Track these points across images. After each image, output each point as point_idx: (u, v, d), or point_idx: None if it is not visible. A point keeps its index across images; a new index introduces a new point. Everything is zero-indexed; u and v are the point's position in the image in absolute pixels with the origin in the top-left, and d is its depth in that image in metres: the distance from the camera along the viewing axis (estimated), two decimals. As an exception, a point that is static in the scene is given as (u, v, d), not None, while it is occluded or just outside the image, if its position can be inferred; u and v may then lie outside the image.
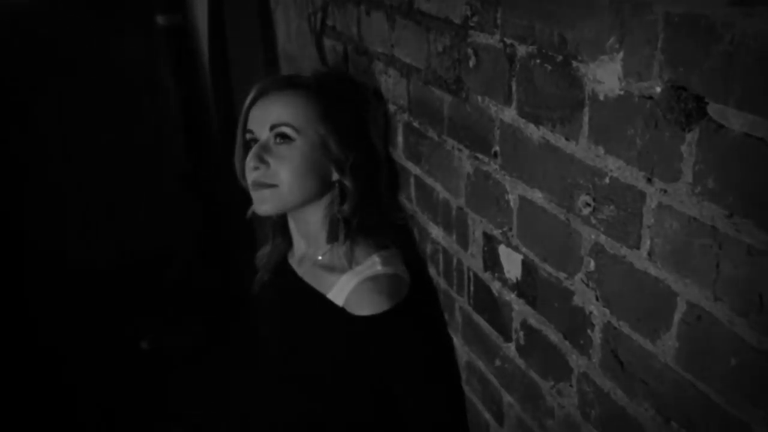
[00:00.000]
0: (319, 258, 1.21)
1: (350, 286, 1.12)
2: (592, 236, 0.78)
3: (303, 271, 1.24)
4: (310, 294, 1.19)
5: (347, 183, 1.16)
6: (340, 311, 1.11)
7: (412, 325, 1.13)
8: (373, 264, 1.14)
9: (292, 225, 1.25)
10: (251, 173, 1.13)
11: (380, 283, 1.11)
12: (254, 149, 1.13)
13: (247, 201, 1.23)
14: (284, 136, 1.12)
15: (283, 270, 1.30)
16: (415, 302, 1.14)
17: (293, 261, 1.29)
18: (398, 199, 1.32)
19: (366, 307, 1.09)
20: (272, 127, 1.12)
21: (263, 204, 1.14)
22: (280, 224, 1.30)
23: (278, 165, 1.12)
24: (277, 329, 1.28)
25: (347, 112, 1.21)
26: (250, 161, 1.12)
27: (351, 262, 1.15)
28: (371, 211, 1.19)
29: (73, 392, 2.51)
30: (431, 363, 1.18)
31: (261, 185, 1.13)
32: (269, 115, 1.13)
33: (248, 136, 1.16)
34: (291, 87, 1.16)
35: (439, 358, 1.24)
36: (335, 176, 1.17)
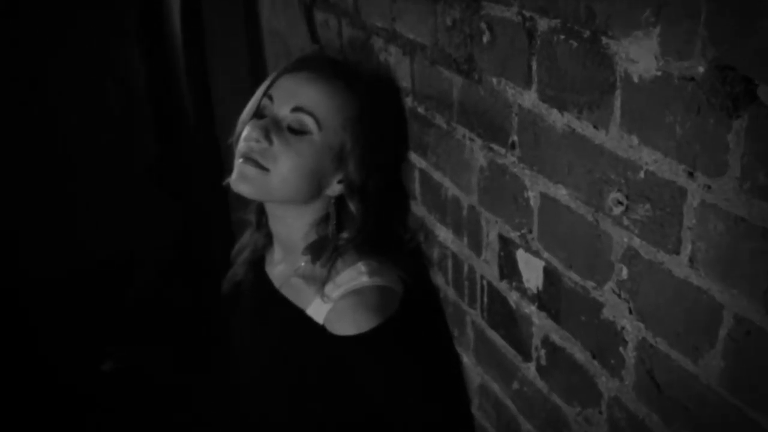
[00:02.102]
0: (301, 265, 1.20)
1: (331, 300, 1.11)
2: (625, 239, 0.78)
3: (280, 282, 1.23)
4: (286, 309, 1.18)
5: (353, 208, 1.15)
6: (320, 330, 1.11)
7: (403, 344, 1.12)
8: (357, 274, 1.12)
9: (271, 223, 1.24)
10: (248, 142, 1.10)
11: (365, 297, 1.10)
12: (264, 121, 1.11)
13: (228, 200, 1.23)
14: (302, 125, 1.10)
15: (258, 278, 1.30)
16: (409, 318, 1.13)
17: (270, 268, 1.29)
18: (407, 217, 1.32)
19: (348, 325, 1.08)
20: (295, 109, 1.11)
21: (243, 182, 1.11)
22: (265, 216, 1.28)
23: (281, 150, 1.10)
24: (252, 348, 1.28)
25: (383, 135, 1.20)
26: (254, 131, 1.10)
27: (333, 273, 1.14)
28: (371, 233, 1.18)
29: (24, 420, 2.51)
30: (430, 387, 1.17)
31: (251, 161, 1.10)
32: (299, 94, 1.11)
33: (265, 101, 1.14)
34: (336, 77, 1.14)
35: (440, 381, 1.23)
36: (334, 190, 1.16)
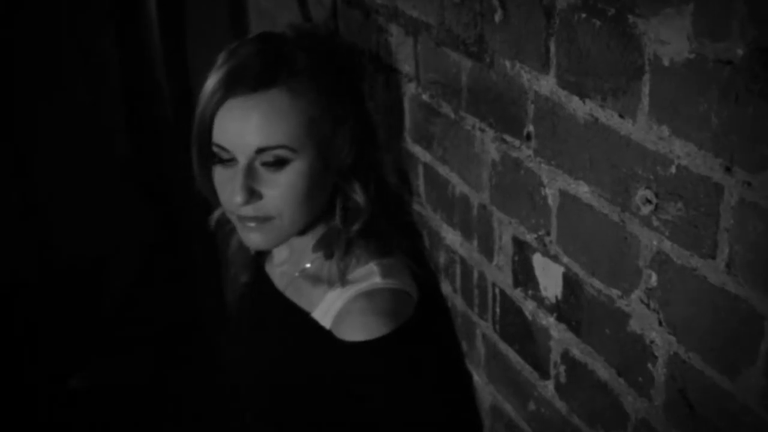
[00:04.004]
0: (306, 266, 1.21)
1: (340, 303, 1.12)
2: (654, 242, 0.78)
3: (283, 283, 1.25)
4: (290, 312, 1.20)
5: (357, 197, 1.15)
6: (327, 335, 1.12)
7: (417, 355, 1.13)
8: (369, 275, 1.14)
9: None
10: (237, 209, 1.10)
11: (377, 301, 1.11)
12: (239, 181, 1.07)
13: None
14: (277, 158, 1.08)
15: (259, 280, 1.31)
16: (424, 326, 1.14)
17: (271, 268, 1.30)
18: (404, 190, 1.33)
19: (358, 330, 1.09)
20: (259, 150, 1.07)
21: (256, 239, 1.12)
22: None
23: (274, 195, 1.09)
24: (252, 355, 1.29)
25: (348, 92, 1.18)
26: (236, 195, 1.07)
27: (342, 273, 1.15)
28: (379, 214, 1.19)
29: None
30: (442, 406, 1.18)
31: (249, 219, 1.11)
32: (253, 134, 1.06)
33: (216, 150, 1.10)
34: (280, 81, 1.08)
35: (452, 399, 1.24)
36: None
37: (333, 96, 1.13)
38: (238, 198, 1.07)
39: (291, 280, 1.24)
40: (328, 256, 1.17)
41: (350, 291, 1.12)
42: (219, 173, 1.12)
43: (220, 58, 1.11)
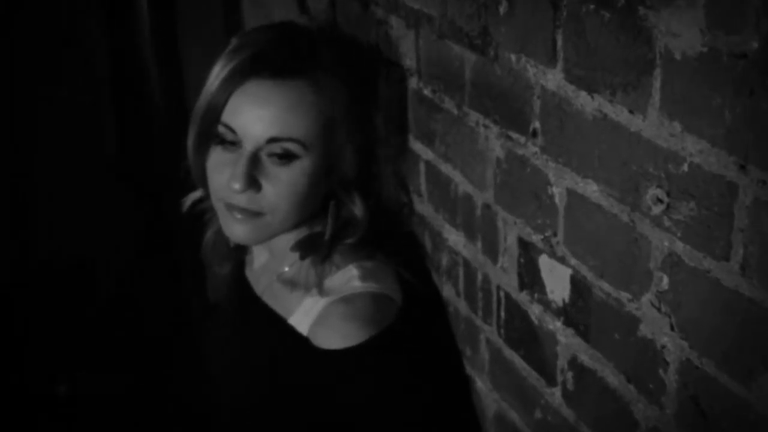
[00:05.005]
0: (285, 270, 1.21)
1: (317, 309, 1.12)
2: (666, 243, 0.78)
3: (261, 288, 1.25)
4: (267, 318, 1.20)
5: (356, 209, 1.15)
6: (304, 342, 1.12)
7: (401, 362, 1.13)
8: (349, 279, 1.13)
9: None
10: (232, 196, 1.09)
11: (356, 306, 1.10)
12: (242, 167, 1.06)
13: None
14: (286, 151, 1.07)
15: (237, 283, 1.31)
16: (408, 331, 1.13)
17: (251, 272, 1.30)
18: (404, 190, 1.33)
19: (336, 337, 1.08)
20: (271, 140, 1.07)
21: (240, 232, 1.11)
22: None
23: (273, 191, 1.08)
24: (229, 364, 1.29)
25: (365, 104, 1.18)
26: (236, 181, 1.06)
27: (320, 277, 1.14)
28: (372, 224, 1.19)
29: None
30: (434, 415, 1.17)
31: (239, 210, 1.10)
32: (268, 122, 1.06)
33: (221, 130, 1.09)
34: (306, 72, 1.08)
35: (447, 408, 1.23)
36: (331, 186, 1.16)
37: (353, 102, 1.13)
38: (237, 184, 1.06)
39: (268, 284, 1.23)
40: (303, 257, 1.17)
41: (328, 296, 1.12)
42: (217, 154, 1.11)
43: (237, 41, 1.11)
